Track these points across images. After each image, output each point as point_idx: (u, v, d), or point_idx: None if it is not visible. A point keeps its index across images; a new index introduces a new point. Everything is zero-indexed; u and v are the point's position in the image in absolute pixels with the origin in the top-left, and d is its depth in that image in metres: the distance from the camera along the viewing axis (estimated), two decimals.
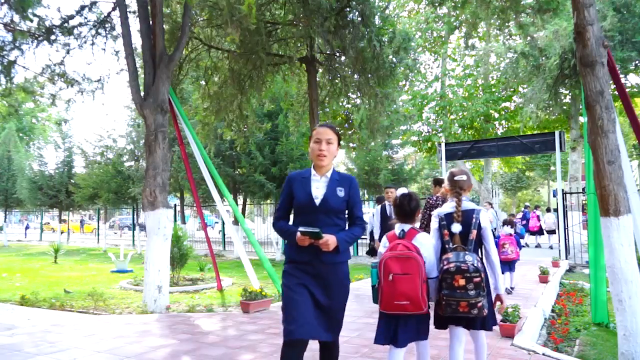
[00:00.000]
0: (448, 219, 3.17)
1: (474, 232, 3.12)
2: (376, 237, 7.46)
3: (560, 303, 7.18)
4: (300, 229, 2.60)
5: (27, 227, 33.54)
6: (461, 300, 2.88)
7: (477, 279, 2.88)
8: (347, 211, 2.84)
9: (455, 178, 3.27)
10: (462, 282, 2.88)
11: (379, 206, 7.52)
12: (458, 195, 3.20)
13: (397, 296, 2.81)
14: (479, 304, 2.89)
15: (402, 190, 3.25)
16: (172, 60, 7.42)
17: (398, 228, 3.09)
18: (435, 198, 6.39)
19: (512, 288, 8.11)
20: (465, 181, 3.27)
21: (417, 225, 3.26)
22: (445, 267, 2.94)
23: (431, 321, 3.04)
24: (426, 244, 3.04)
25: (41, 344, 4.76)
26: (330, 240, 2.60)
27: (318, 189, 2.76)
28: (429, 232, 3.30)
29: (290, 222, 2.87)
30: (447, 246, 3.12)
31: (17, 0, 8.16)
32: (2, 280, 10.51)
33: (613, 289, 4.16)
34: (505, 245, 7.97)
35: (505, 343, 4.65)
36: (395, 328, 2.92)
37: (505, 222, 8.84)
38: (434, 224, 3.27)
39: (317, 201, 2.72)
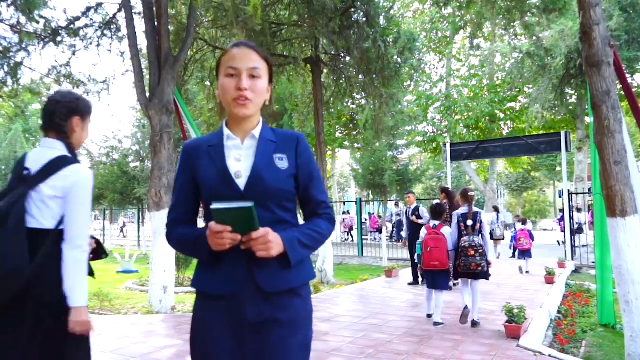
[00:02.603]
0: (464, 217, 5.52)
1: (478, 225, 5.48)
2: (403, 233, 9.71)
3: (566, 304, 7.15)
4: (214, 206, 1.35)
5: None
6: (472, 262, 5.23)
7: (481, 250, 5.27)
8: (298, 195, 1.61)
9: (469, 194, 5.68)
10: (472, 252, 5.25)
11: (405, 208, 9.39)
12: (470, 204, 5.61)
13: (432, 260, 5.45)
14: (482, 264, 5.24)
15: (436, 201, 6.14)
16: (178, 61, 7.44)
17: (432, 223, 5.75)
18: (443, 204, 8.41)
19: (527, 272, 9.92)
20: (473, 195, 5.67)
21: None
22: (462, 245, 5.33)
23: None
24: (447, 232, 5.61)
25: None
26: (271, 236, 1.40)
27: (240, 159, 1.53)
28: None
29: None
30: (463, 233, 5.45)
31: (24, 2, 8.22)
32: None
33: (620, 290, 4.13)
34: (521, 239, 10.04)
35: (511, 344, 4.64)
36: (431, 279, 5.60)
37: (519, 221, 11.44)
38: (455, 220, 5.62)
39: (242, 181, 1.49)
